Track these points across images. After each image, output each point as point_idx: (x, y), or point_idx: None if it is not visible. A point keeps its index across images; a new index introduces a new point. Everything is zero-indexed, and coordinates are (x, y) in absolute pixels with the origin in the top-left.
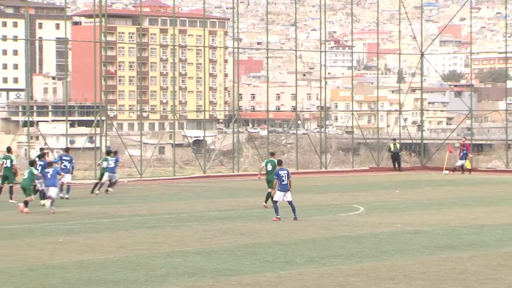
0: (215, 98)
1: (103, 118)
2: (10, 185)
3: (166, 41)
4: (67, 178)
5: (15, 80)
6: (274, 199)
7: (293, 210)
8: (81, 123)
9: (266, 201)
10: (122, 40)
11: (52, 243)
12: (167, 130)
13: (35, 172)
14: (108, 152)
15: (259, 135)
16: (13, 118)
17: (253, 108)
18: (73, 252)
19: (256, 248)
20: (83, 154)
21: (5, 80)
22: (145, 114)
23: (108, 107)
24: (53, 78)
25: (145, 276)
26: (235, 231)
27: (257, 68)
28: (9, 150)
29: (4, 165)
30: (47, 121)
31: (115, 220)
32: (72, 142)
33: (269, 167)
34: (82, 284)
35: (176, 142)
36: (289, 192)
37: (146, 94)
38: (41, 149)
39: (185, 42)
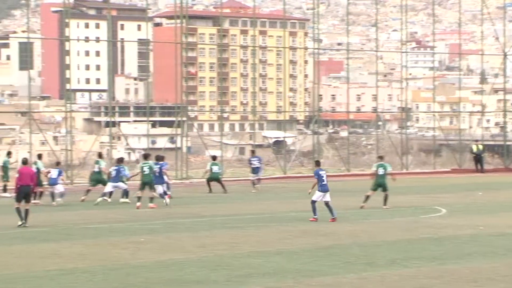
0: (295, 99)
1: (184, 118)
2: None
3: (247, 42)
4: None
5: (98, 81)
6: (312, 199)
7: (330, 210)
8: (162, 124)
9: (364, 202)
10: (203, 41)
11: (134, 243)
12: (247, 131)
13: (155, 167)
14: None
15: (339, 136)
16: (96, 118)
17: (334, 109)
18: (154, 252)
19: (337, 249)
20: (164, 155)
21: (87, 81)
22: (225, 115)
23: (189, 108)
24: (135, 79)
25: (226, 276)
26: (315, 232)
27: (337, 69)
28: (100, 155)
29: (96, 169)
30: (129, 122)
31: (196, 220)
32: (153, 142)
33: (381, 171)
34: (164, 284)
35: (256, 143)
36: (329, 193)
37: (226, 95)
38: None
39: (265, 43)
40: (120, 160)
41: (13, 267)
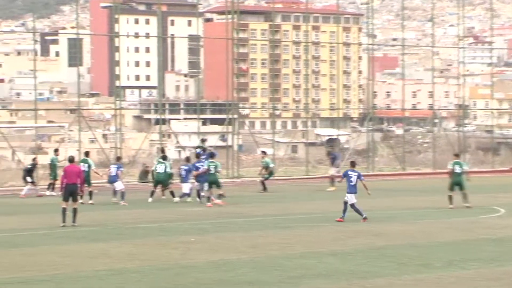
0: (349, 96)
1: (235, 116)
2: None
3: (299, 38)
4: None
5: (147, 78)
6: (344, 199)
7: (358, 212)
8: (213, 121)
9: (450, 203)
10: (255, 36)
11: (184, 243)
12: (300, 129)
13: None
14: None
15: (394, 134)
16: (145, 116)
17: (388, 106)
18: (205, 252)
19: (391, 250)
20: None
21: (137, 77)
22: (277, 112)
23: (240, 105)
24: (185, 75)
25: (278, 277)
26: (369, 232)
27: (392, 65)
28: (164, 157)
29: (159, 171)
30: (179, 119)
31: (248, 220)
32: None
33: (457, 169)
34: (215, 285)
35: (309, 141)
36: (355, 195)
37: (278, 91)
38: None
39: (318, 38)
40: (187, 160)
41: (61, 267)
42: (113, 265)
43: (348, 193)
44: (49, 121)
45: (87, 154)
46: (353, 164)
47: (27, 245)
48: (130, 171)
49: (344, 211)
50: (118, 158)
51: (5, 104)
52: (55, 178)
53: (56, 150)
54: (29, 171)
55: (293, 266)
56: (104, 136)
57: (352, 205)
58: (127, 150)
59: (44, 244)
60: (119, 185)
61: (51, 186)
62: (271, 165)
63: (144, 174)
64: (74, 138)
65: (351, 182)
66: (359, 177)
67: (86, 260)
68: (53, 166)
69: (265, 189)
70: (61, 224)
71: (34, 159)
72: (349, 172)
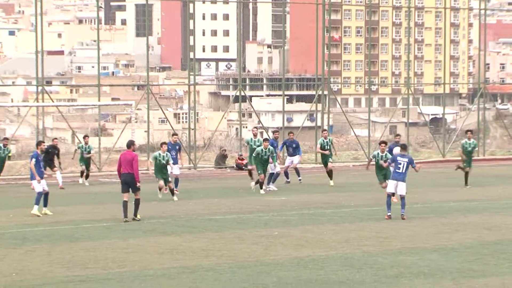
0: (457, 69)
1: (326, 92)
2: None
3: (400, 2)
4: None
5: (225, 49)
6: (387, 190)
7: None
8: (300, 98)
9: None
10: (349, 1)
11: (266, 237)
12: (400, 107)
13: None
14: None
15: (509, 112)
16: (223, 92)
17: (503, 81)
18: (290, 247)
19: (504, 246)
20: (302, 134)
21: (214, 48)
22: (374, 88)
23: (331, 80)
24: (269, 46)
25: (373, 276)
26: (479, 225)
27: (507, 33)
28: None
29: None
30: (261, 96)
31: (338, 210)
32: (289, 120)
33: None
34: (301, 284)
35: (410, 121)
36: (404, 184)
37: (375, 64)
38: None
39: (422, 3)
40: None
41: (127, 264)
42: (185, 262)
43: (392, 179)
44: (113, 99)
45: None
46: (404, 147)
47: (89, 239)
48: (205, 155)
49: (389, 205)
50: (174, 135)
51: (65, 80)
52: (87, 167)
53: (85, 137)
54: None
55: (389, 264)
56: (176, 115)
57: (402, 198)
58: (202, 131)
59: (107, 238)
60: (176, 170)
61: (82, 174)
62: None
63: (221, 158)
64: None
65: (399, 168)
66: (410, 163)
67: (154, 256)
68: (80, 154)
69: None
70: (123, 220)
71: (54, 140)
72: (399, 158)
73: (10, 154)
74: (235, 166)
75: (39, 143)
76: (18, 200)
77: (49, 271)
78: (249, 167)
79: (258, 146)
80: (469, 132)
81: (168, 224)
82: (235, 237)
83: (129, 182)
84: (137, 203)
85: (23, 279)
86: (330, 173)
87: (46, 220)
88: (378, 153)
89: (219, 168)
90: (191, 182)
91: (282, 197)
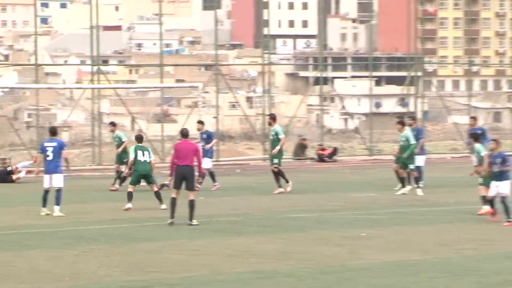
0: None
1: (419, 73)
2: None
3: None
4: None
5: (304, 24)
6: (489, 194)
7: (506, 211)
8: (390, 81)
9: None
10: None
11: (352, 238)
12: (505, 90)
13: None
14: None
15: None
16: (301, 73)
17: None
18: (379, 250)
19: None
20: (391, 122)
21: (291, 23)
22: (474, 69)
23: (426, 59)
24: (353, 21)
25: (475, 284)
26: None
27: None
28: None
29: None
30: (345, 78)
31: (434, 209)
32: (378, 105)
33: None
34: None
35: None
36: (509, 183)
37: (476, 41)
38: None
39: None
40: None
41: (194, 267)
42: (261, 266)
43: (495, 179)
44: (178, 80)
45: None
46: (497, 143)
47: (151, 240)
48: None
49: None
50: (201, 123)
51: (123, 59)
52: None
53: (113, 124)
54: None
55: (494, 270)
56: (248, 99)
57: (504, 200)
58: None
59: (172, 239)
60: (207, 163)
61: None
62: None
63: (300, 148)
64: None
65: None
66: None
67: (225, 260)
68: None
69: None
70: (168, 221)
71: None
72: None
73: None
74: (316, 157)
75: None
76: (70, 194)
77: (106, 275)
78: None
79: None
80: None
81: (241, 223)
82: (316, 238)
83: (187, 177)
84: (192, 204)
85: (77, 284)
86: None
87: (103, 217)
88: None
89: (298, 159)
90: (265, 175)
91: (371, 193)
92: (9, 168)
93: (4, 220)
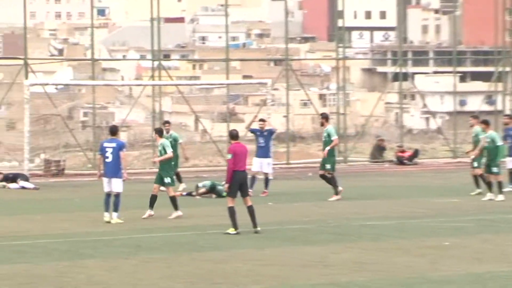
0: None
1: (507, 69)
2: None
3: None
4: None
5: (382, 15)
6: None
7: None
8: (476, 76)
9: None
10: None
11: (434, 248)
12: None
13: None
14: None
15: None
16: (379, 69)
17: None
18: (464, 261)
19: None
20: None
21: (368, 15)
22: None
23: None
24: (436, 11)
25: None
26: None
27: None
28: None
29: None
30: (427, 73)
31: None
32: (462, 103)
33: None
34: None
35: None
36: None
37: None
38: None
39: None
40: None
41: (263, 279)
42: (335, 278)
43: None
44: (245, 76)
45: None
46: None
47: (216, 249)
48: (357, 146)
49: None
50: (263, 120)
51: (186, 53)
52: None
53: (166, 123)
54: None
55: None
56: (322, 96)
57: None
58: (354, 116)
59: (239, 248)
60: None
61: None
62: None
63: (377, 150)
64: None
65: None
66: None
67: (296, 270)
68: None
69: None
70: (233, 232)
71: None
72: None
73: None
74: (395, 159)
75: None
76: (128, 199)
77: (168, 286)
78: None
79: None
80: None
81: (313, 231)
82: (395, 247)
83: (244, 183)
84: (252, 210)
85: None
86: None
87: (164, 225)
88: None
89: (375, 162)
90: (340, 178)
91: (454, 199)
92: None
93: (61, 227)
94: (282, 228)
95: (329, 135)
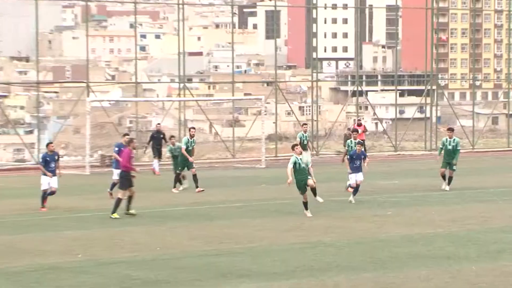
0: None
1: (434, 87)
2: None
3: (501, 6)
4: None
5: (344, 49)
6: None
7: None
8: (411, 93)
9: None
10: (455, 6)
11: (380, 216)
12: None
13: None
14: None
15: None
16: (342, 88)
17: None
18: (401, 226)
19: None
20: (412, 125)
21: (334, 49)
22: (477, 83)
23: (439, 76)
24: (383, 46)
25: (476, 252)
26: None
27: None
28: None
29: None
30: (376, 91)
31: (445, 193)
32: (401, 112)
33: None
34: (411, 259)
35: (511, 112)
36: None
37: (479, 62)
38: None
39: None
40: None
41: (256, 240)
42: (308, 239)
43: None
44: (246, 94)
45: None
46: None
47: (223, 218)
48: (326, 143)
49: None
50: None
51: (203, 77)
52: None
53: (192, 128)
54: (155, 142)
55: (491, 240)
56: (301, 108)
57: None
58: (324, 122)
59: (239, 217)
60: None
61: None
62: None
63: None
64: (271, 111)
65: None
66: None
67: (280, 234)
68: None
69: None
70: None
71: (157, 125)
72: None
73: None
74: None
75: (48, 145)
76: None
77: (189, 245)
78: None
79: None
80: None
81: (293, 205)
82: (353, 216)
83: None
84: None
85: (167, 252)
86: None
87: (186, 201)
88: (446, 139)
89: (339, 154)
90: (313, 167)
91: (395, 180)
92: None
93: (111, 203)
94: (271, 203)
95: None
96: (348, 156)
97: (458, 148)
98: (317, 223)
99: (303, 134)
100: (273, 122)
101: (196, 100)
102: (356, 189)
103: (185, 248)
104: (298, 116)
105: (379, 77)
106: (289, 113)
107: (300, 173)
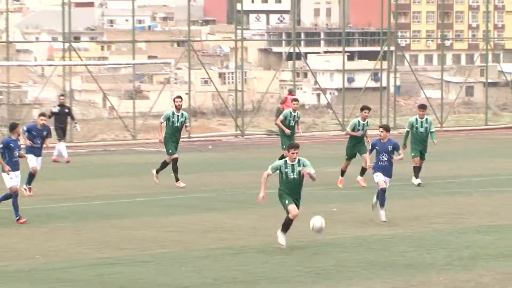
0: None
1: (392, 48)
2: None
3: None
4: None
5: (277, 0)
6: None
7: None
8: (363, 55)
9: None
10: None
11: (323, 213)
12: (477, 64)
13: None
14: None
15: None
16: (274, 49)
17: None
18: (351, 225)
19: None
20: (364, 97)
21: None
22: (447, 43)
23: (399, 34)
24: None
25: (445, 258)
26: None
27: None
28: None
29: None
30: (318, 53)
31: (407, 184)
32: (350, 80)
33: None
34: (363, 267)
35: (489, 80)
36: None
37: (449, 16)
38: None
39: None
40: None
41: (169, 244)
42: (232, 242)
43: None
44: (150, 57)
45: None
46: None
47: (123, 217)
48: (253, 121)
49: None
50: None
51: (95, 35)
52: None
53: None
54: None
55: (464, 244)
56: (221, 75)
57: None
58: (251, 93)
59: (145, 215)
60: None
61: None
62: None
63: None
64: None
65: None
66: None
67: (198, 236)
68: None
69: None
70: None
71: (60, 98)
72: None
73: None
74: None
75: (13, 127)
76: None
77: (77, 252)
78: None
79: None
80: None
81: (212, 199)
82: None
83: None
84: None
85: (49, 261)
86: None
87: (73, 195)
88: (416, 119)
89: (269, 135)
90: (237, 151)
91: (338, 168)
92: None
93: None
94: (185, 197)
95: None
96: (370, 147)
97: (433, 130)
98: (243, 222)
99: (290, 113)
100: (186, 93)
101: (86, 65)
102: (382, 195)
103: (72, 255)
104: (217, 85)
105: (322, 36)
106: (206, 82)
107: (288, 187)
